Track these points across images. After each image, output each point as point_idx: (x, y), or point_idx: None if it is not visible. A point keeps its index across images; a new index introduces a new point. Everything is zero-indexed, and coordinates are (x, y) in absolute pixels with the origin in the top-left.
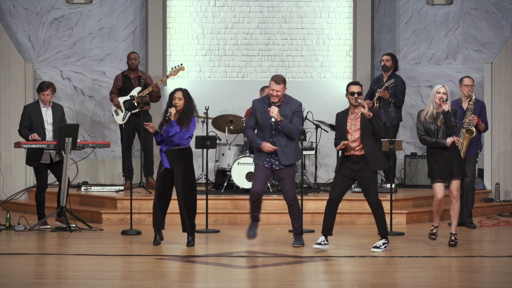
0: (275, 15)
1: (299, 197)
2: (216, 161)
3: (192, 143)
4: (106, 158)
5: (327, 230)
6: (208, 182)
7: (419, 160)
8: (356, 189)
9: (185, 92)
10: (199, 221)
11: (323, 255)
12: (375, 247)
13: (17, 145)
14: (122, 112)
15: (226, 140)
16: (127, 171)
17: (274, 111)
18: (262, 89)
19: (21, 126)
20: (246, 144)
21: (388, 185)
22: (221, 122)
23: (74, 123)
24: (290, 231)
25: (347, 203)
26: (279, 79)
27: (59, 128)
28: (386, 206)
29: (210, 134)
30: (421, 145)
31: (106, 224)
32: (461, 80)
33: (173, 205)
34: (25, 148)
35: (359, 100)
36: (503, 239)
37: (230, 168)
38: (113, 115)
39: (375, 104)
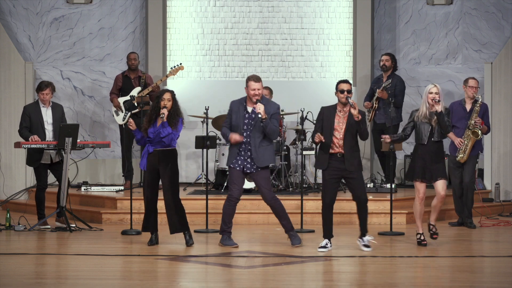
0: (275, 15)
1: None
2: (216, 161)
3: (192, 143)
4: (106, 158)
5: (329, 234)
6: (208, 182)
7: None
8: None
9: (172, 94)
10: (199, 221)
11: (323, 255)
12: (366, 245)
13: (17, 145)
14: (122, 112)
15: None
16: (127, 171)
17: (260, 107)
18: None
19: (21, 126)
20: None
21: (388, 185)
22: (221, 122)
23: (74, 123)
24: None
25: (347, 203)
26: (258, 78)
27: (59, 128)
28: (386, 206)
29: (210, 134)
30: None
31: (106, 224)
32: (465, 81)
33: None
34: (25, 148)
35: (350, 100)
36: (503, 239)
37: None
38: (113, 115)
39: (375, 105)
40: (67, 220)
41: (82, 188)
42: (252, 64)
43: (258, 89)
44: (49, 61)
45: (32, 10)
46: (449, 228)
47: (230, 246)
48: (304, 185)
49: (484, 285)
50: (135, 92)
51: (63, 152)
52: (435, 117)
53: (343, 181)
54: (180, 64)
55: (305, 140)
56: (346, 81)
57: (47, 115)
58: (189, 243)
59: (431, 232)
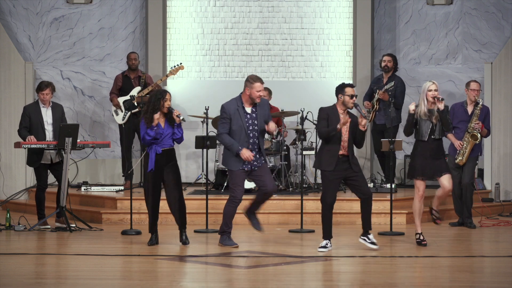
0: (275, 15)
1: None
2: (216, 161)
3: (192, 143)
4: (106, 158)
5: (329, 234)
6: (208, 182)
7: None
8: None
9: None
10: (199, 221)
11: (323, 255)
12: (373, 243)
13: (17, 145)
14: (122, 112)
15: None
16: (127, 171)
17: (272, 126)
18: None
19: (20, 126)
20: None
21: (388, 185)
22: None
23: (74, 123)
24: (290, 231)
25: (347, 203)
26: (262, 80)
27: (59, 128)
28: (386, 206)
29: (210, 134)
30: None
31: (106, 224)
32: (467, 84)
33: (165, 205)
34: (25, 148)
35: (363, 111)
36: (503, 239)
37: None
38: (113, 115)
39: (375, 106)
40: (67, 220)
41: (82, 188)
42: (252, 64)
43: (263, 91)
44: (49, 61)
45: (32, 10)
46: (449, 228)
47: (230, 246)
48: (304, 185)
49: (484, 285)
50: (135, 92)
51: (63, 152)
52: (436, 114)
53: (343, 181)
54: (180, 64)
55: (305, 140)
56: (352, 85)
57: (47, 115)
58: (186, 242)
59: (434, 217)
